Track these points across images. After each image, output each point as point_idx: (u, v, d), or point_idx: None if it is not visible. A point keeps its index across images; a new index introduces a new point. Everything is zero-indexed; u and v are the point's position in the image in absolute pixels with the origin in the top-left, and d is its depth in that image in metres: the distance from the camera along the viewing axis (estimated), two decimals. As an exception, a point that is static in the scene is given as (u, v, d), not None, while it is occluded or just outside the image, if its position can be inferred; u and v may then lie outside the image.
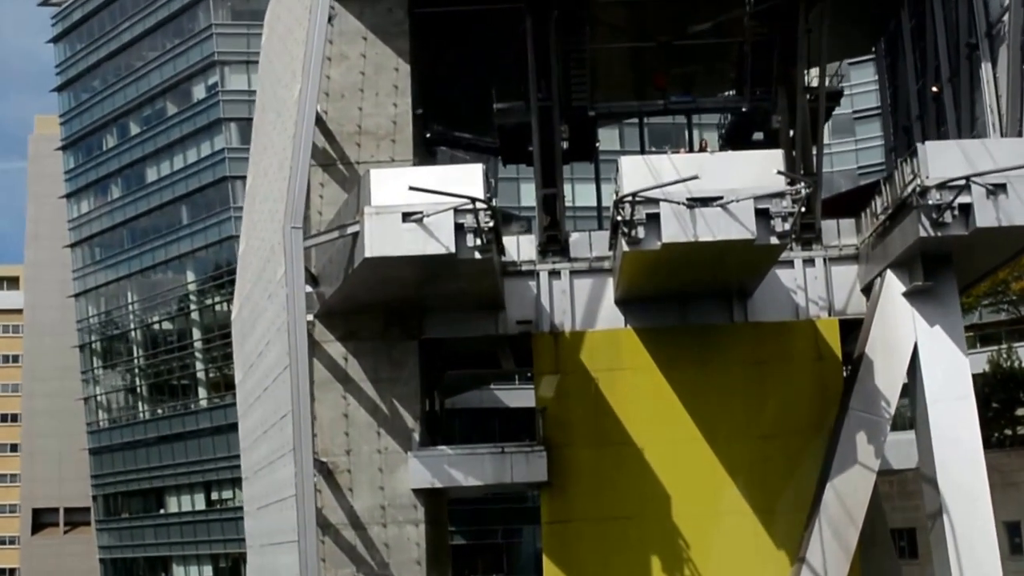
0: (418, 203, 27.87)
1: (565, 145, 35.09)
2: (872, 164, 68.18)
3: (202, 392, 72.93)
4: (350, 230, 29.09)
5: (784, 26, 34.29)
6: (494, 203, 28.51)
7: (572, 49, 34.68)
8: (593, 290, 33.71)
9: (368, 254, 28.02)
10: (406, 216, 27.81)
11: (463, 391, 51.84)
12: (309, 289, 33.17)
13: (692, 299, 33.45)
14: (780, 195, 27.86)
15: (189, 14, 72.73)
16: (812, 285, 33.98)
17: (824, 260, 34.22)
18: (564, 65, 34.71)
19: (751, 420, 32.84)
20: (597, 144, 39.74)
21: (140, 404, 78.59)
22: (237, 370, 39.85)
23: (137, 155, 77.36)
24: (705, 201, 27.81)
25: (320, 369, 33.39)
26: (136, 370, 78.74)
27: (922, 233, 28.81)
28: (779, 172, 27.13)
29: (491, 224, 27.91)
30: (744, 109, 35.88)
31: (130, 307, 78.98)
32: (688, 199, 27.85)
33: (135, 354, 78.95)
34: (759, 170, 28.40)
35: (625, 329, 33.21)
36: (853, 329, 34.10)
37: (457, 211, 27.72)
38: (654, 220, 28.10)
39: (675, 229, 28.00)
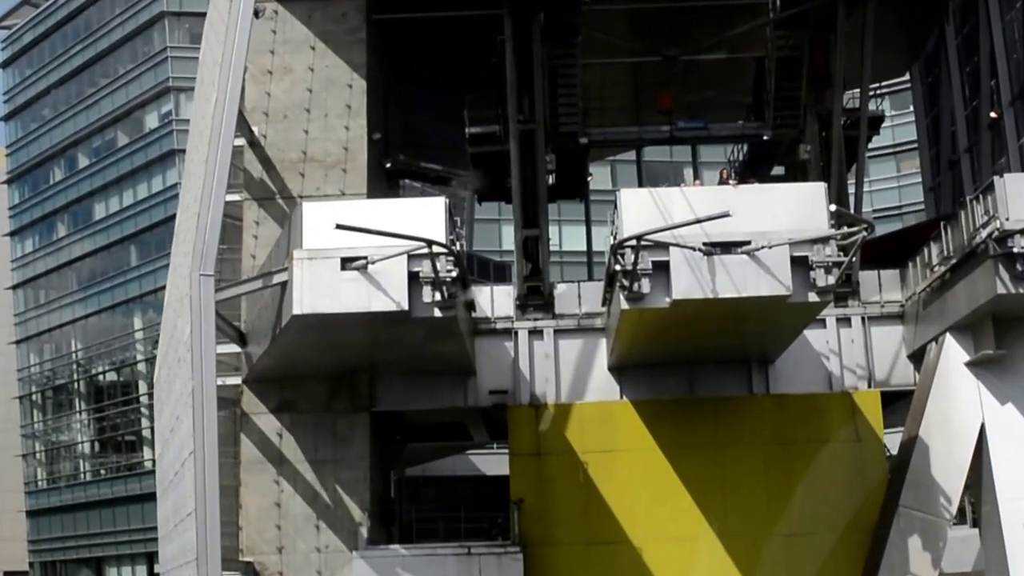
0: (363, 246, 22.80)
1: (551, 180, 30.67)
2: (887, 208, 63.47)
3: (148, 452, 67.22)
4: (276, 279, 23.73)
5: (815, 37, 29.65)
6: (460, 247, 23.54)
7: (560, 63, 30.14)
8: (582, 354, 29.58)
9: (297, 310, 22.89)
10: (346, 262, 22.80)
11: (430, 460, 46.37)
12: (236, 349, 28.93)
13: (703, 366, 29.11)
14: (823, 240, 22.65)
15: (144, 36, 68.67)
16: (848, 350, 29.64)
17: (863, 319, 29.80)
18: (551, 82, 30.22)
19: (774, 515, 28.79)
20: (589, 178, 35.13)
21: (82, 463, 74.00)
22: (156, 443, 34.24)
23: (85, 189, 73.24)
24: (727, 247, 22.89)
25: (249, 447, 28.93)
26: (78, 425, 74.18)
27: (1000, 289, 24.04)
28: (837, 210, 21.35)
29: (454, 274, 22.63)
30: (765, 137, 31.17)
31: (74, 356, 74.30)
32: (706, 244, 22.87)
33: (77, 407, 73.97)
34: (796, 208, 23.49)
35: (621, 402, 29.26)
36: (892, 401, 30.14)
37: (412, 257, 22.76)
38: (662, 270, 23.24)
39: (689, 282, 23.08)
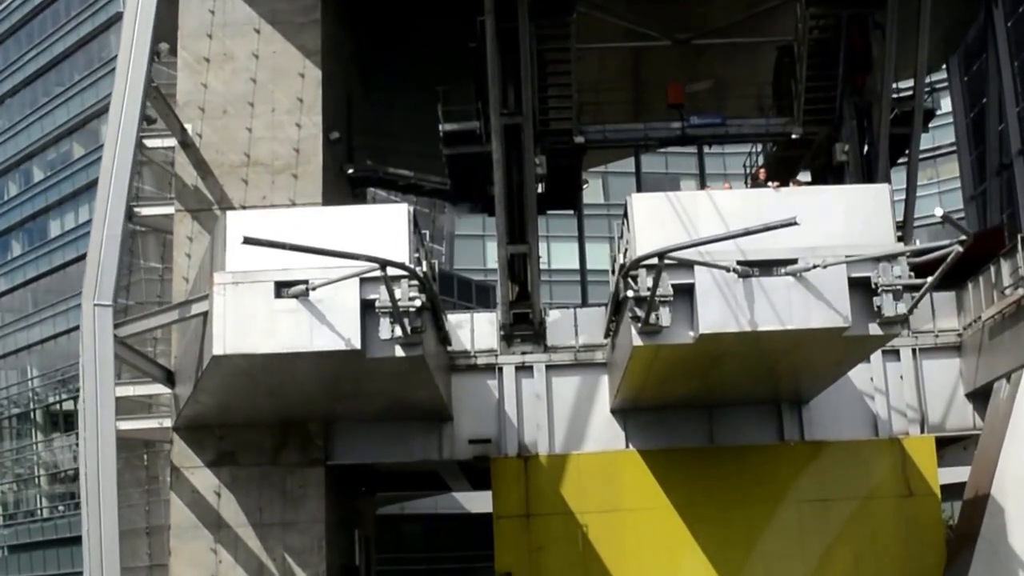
0: (304, 267, 18.35)
1: (540, 188, 26.54)
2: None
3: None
4: (195, 309, 19.05)
5: (853, 16, 25.68)
6: (428, 267, 19.40)
7: (551, 47, 26.06)
8: (580, 394, 26.07)
9: (218, 350, 18.60)
10: (281, 288, 18.36)
11: (407, 500, 42.65)
12: (164, 390, 25.03)
13: (725, 408, 25.56)
14: (891, 258, 18.47)
15: (100, 40, 64.74)
16: (896, 388, 25.98)
17: (913, 352, 26.08)
18: (540, 70, 26.06)
19: (812, 586, 25.45)
20: (585, 185, 31.27)
21: (38, 498, 69.56)
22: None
23: (40, 205, 69.21)
24: (769, 266, 18.61)
25: (180, 508, 25.31)
26: (35, 457, 69.88)
27: (1104, 318, 19.71)
28: (944, 217, 16.87)
29: (419, 302, 18.27)
30: (794, 136, 27.23)
31: (30, 383, 70.18)
32: (741, 263, 18.51)
33: (34, 438, 69.98)
34: (855, 217, 19.19)
35: (627, 451, 25.88)
36: (942, 445, 26.63)
37: (366, 281, 18.37)
38: (685, 296, 18.96)
39: (720, 312, 18.77)
